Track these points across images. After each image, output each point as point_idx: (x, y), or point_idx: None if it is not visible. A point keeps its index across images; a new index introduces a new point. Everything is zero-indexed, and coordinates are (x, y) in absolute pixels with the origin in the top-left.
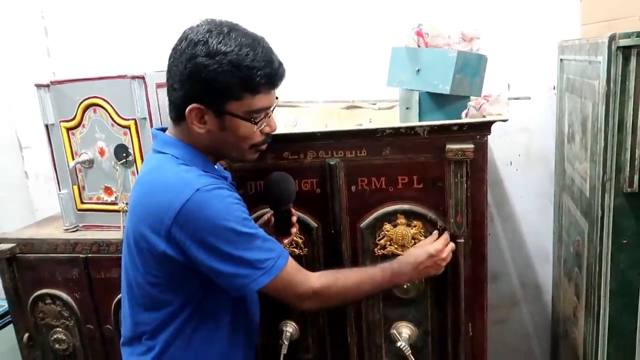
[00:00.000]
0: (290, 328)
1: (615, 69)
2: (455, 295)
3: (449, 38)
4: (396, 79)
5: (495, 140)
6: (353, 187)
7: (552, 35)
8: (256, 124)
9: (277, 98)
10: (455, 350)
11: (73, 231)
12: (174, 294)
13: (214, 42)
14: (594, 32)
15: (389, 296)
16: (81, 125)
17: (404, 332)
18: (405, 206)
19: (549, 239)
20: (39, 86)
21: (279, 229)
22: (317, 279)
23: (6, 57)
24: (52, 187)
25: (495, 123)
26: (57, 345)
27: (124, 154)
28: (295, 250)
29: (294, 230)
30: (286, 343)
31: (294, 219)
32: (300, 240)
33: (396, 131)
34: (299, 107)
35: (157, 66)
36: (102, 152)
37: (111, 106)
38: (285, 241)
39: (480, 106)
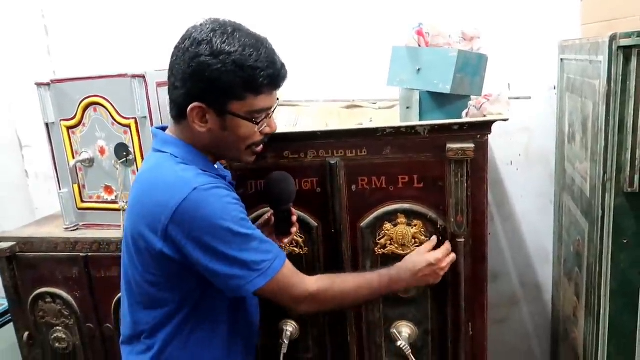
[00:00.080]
0: (290, 327)
1: (616, 68)
2: (456, 294)
3: (449, 37)
4: (397, 78)
5: (495, 140)
6: (353, 187)
7: (552, 34)
8: (257, 124)
9: (277, 99)
10: (456, 350)
11: (73, 230)
12: (171, 293)
13: (218, 41)
14: (594, 31)
15: (389, 295)
16: (81, 124)
17: (404, 331)
18: (406, 205)
19: (549, 239)
20: (39, 85)
21: (279, 228)
22: (314, 282)
23: (6, 55)
24: (52, 186)
25: (496, 122)
26: (57, 344)
27: (124, 153)
28: (296, 249)
29: (294, 229)
30: (286, 342)
31: (294, 218)
32: (300, 240)
33: (397, 130)
34: (300, 107)
35: (157, 65)
36: (102, 151)
37: (111, 105)
38: (286, 241)
39: (481, 106)
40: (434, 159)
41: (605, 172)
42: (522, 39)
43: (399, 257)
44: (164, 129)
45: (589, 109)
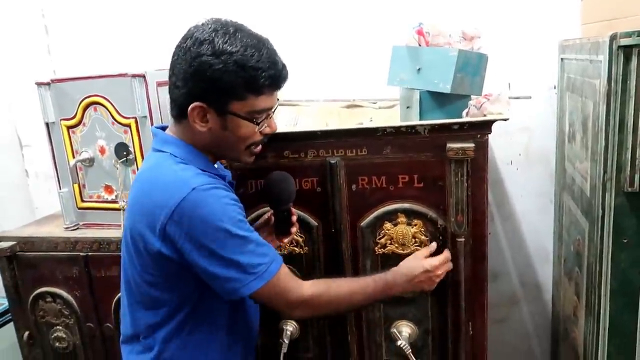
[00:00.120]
0: (290, 327)
1: (616, 68)
2: (456, 294)
3: (449, 37)
4: (397, 77)
5: (495, 140)
6: (353, 186)
7: (552, 34)
8: (258, 124)
9: (277, 99)
10: (456, 349)
11: (73, 229)
12: (170, 293)
13: (220, 41)
14: (594, 31)
15: (386, 300)
16: (82, 124)
17: (404, 330)
18: (406, 205)
19: (549, 238)
20: (39, 84)
21: (279, 228)
22: (309, 288)
23: (7, 55)
24: (53, 185)
25: (496, 122)
26: (57, 344)
27: (125, 152)
28: (296, 249)
29: (294, 229)
30: (286, 342)
31: (294, 218)
32: (300, 239)
33: (397, 130)
34: (300, 106)
35: (157, 64)
36: (102, 151)
37: (112, 104)
38: (285, 240)
39: (481, 105)
40: (434, 158)
41: (605, 172)
42: (522, 39)
43: (399, 257)
44: (163, 128)
45: (589, 108)
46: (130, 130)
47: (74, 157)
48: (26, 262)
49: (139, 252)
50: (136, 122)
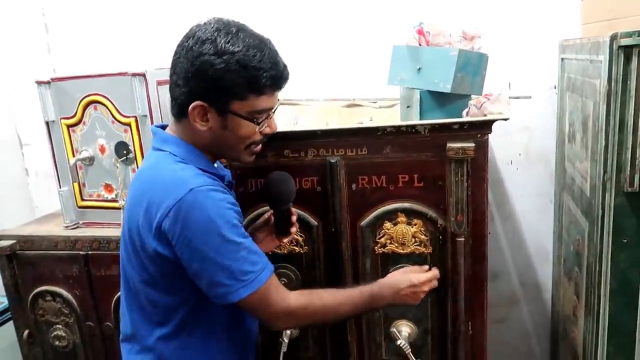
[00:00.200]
0: None
1: (616, 68)
2: (455, 294)
3: (450, 36)
4: (397, 77)
5: (495, 139)
6: (353, 186)
7: (553, 34)
8: (258, 124)
9: (278, 99)
10: (455, 349)
11: (73, 228)
12: (167, 294)
13: (222, 41)
14: (595, 31)
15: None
16: (82, 123)
17: (403, 330)
18: (406, 204)
19: (549, 238)
20: (39, 83)
21: (279, 228)
22: (295, 299)
23: (7, 54)
24: (52, 184)
25: (496, 122)
26: (57, 342)
27: (125, 151)
28: (296, 248)
29: (294, 229)
30: (286, 341)
31: (294, 218)
32: (300, 239)
33: (397, 129)
34: (300, 105)
35: (157, 63)
36: (102, 149)
37: (112, 103)
38: (285, 240)
39: (481, 105)
40: (434, 158)
41: (605, 172)
42: (522, 39)
43: (399, 256)
44: (163, 127)
45: (590, 108)
46: (131, 129)
47: (74, 155)
48: (26, 261)
49: (136, 250)
50: (136, 121)
